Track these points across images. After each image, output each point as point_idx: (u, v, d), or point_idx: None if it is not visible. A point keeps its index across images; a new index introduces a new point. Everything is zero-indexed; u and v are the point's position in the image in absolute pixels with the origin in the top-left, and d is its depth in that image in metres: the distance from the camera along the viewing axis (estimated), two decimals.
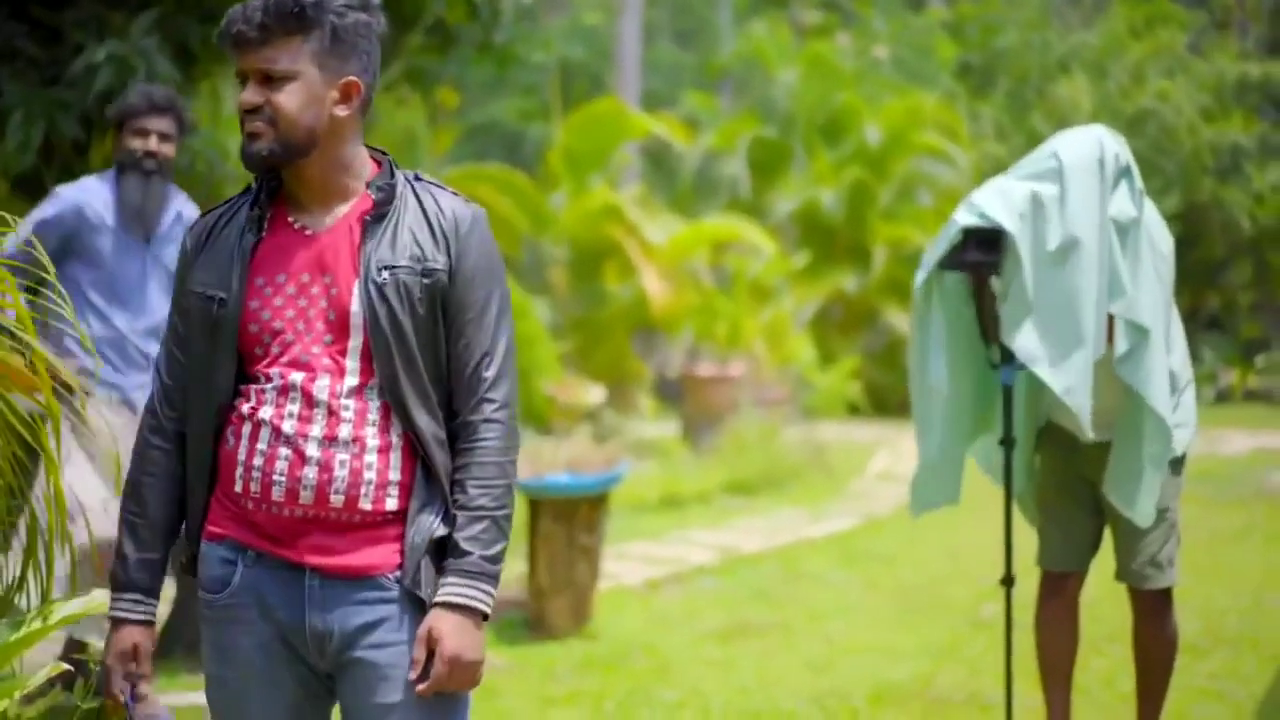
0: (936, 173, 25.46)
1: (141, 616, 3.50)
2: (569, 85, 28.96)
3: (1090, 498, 6.03)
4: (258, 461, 3.32)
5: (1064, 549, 6.07)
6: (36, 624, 4.02)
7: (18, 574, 4.46)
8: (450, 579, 3.31)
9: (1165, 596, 5.98)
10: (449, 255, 3.37)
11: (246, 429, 3.34)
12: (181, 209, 6.79)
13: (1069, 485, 6.05)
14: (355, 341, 3.34)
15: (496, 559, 3.36)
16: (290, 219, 3.42)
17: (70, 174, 10.60)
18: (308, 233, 3.39)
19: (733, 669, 7.98)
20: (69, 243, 6.52)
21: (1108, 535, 6.07)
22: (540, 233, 18.90)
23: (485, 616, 3.34)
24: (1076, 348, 5.60)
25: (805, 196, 24.88)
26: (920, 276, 5.88)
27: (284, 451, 3.30)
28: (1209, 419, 22.79)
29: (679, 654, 8.27)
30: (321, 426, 3.31)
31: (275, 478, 3.31)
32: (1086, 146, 5.72)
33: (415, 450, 3.35)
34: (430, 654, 3.30)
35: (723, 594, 9.97)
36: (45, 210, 6.57)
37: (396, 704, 3.33)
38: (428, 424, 3.34)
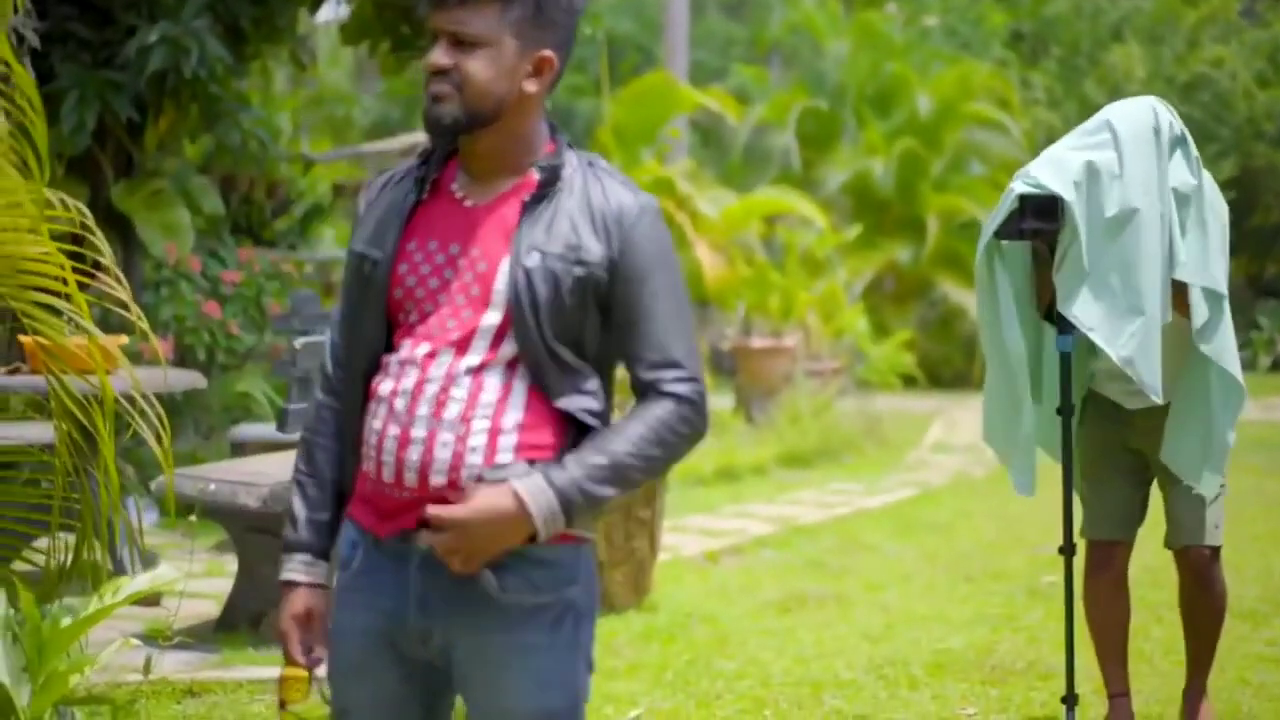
0: (988, 142, 25.37)
1: (314, 579, 3.32)
2: (617, 60, 28.95)
3: (1136, 466, 6.02)
4: (372, 439, 3.21)
5: (1109, 518, 6.06)
6: (103, 602, 4.04)
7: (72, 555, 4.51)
8: (534, 477, 3.10)
9: (1213, 557, 5.97)
10: (609, 248, 3.19)
11: (372, 405, 3.24)
12: None
13: (1113, 455, 6.04)
14: (491, 320, 3.18)
15: (591, 497, 3.11)
16: (454, 187, 3.30)
17: (124, 156, 10.68)
18: (468, 204, 3.26)
19: (791, 639, 7.99)
20: None
21: (1157, 504, 6.07)
22: None
23: (534, 538, 3.10)
24: (1135, 316, 5.57)
25: (856, 168, 24.82)
26: (980, 247, 5.86)
27: (392, 430, 3.17)
28: (1265, 387, 22.71)
29: (738, 625, 8.28)
30: (430, 405, 3.15)
31: (384, 458, 3.18)
32: (1141, 115, 5.69)
33: (535, 437, 3.17)
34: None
35: (780, 565, 9.98)
36: None
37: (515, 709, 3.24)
38: (571, 404, 3.19)
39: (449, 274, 3.21)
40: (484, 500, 3.08)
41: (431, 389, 3.17)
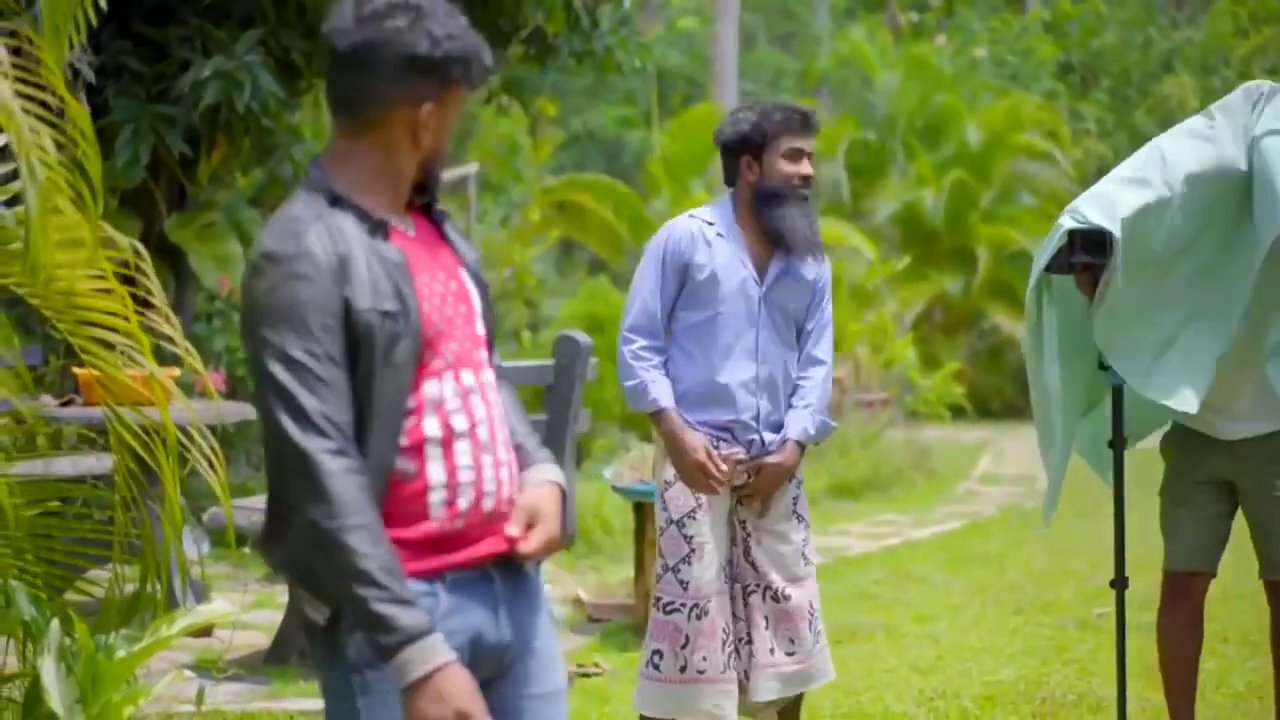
0: (1038, 173, 25.33)
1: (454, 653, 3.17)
2: (667, 92, 29.02)
3: (1222, 496, 6.00)
4: (466, 477, 3.24)
5: (1193, 550, 6.02)
6: (157, 635, 4.07)
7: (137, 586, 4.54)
8: (552, 466, 3.43)
9: None
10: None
11: (434, 449, 3.23)
12: None
13: (1201, 486, 6.01)
14: (482, 333, 3.38)
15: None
16: (394, 221, 3.33)
17: (177, 188, 10.76)
18: (410, 234, 3.33)
19: (841, 670, 7.95)
20: None
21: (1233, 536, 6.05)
22: (640, 240, 18.96)
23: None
24: (1164, 350, 5.63)
25: (906, 199, 24.82)
26: (1031, 282, 5.87)
27: (487, 459, 3.28)
28: None
29: None
30: (498, 425, 3.33)
31: (486, 488, 3.27)
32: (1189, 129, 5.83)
33: None
34: None
35: (830, 596, 9.95)
36: None
37: (564, 687, 3.43)
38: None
39: (450, 300, 3.32)
40: (553, 497, 3.37)
41: (496, 411, 3.34)
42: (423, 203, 3.40)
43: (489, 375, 3.36)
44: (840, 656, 8.24)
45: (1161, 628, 6.07)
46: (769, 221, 5.77)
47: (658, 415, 5.73)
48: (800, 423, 5.90)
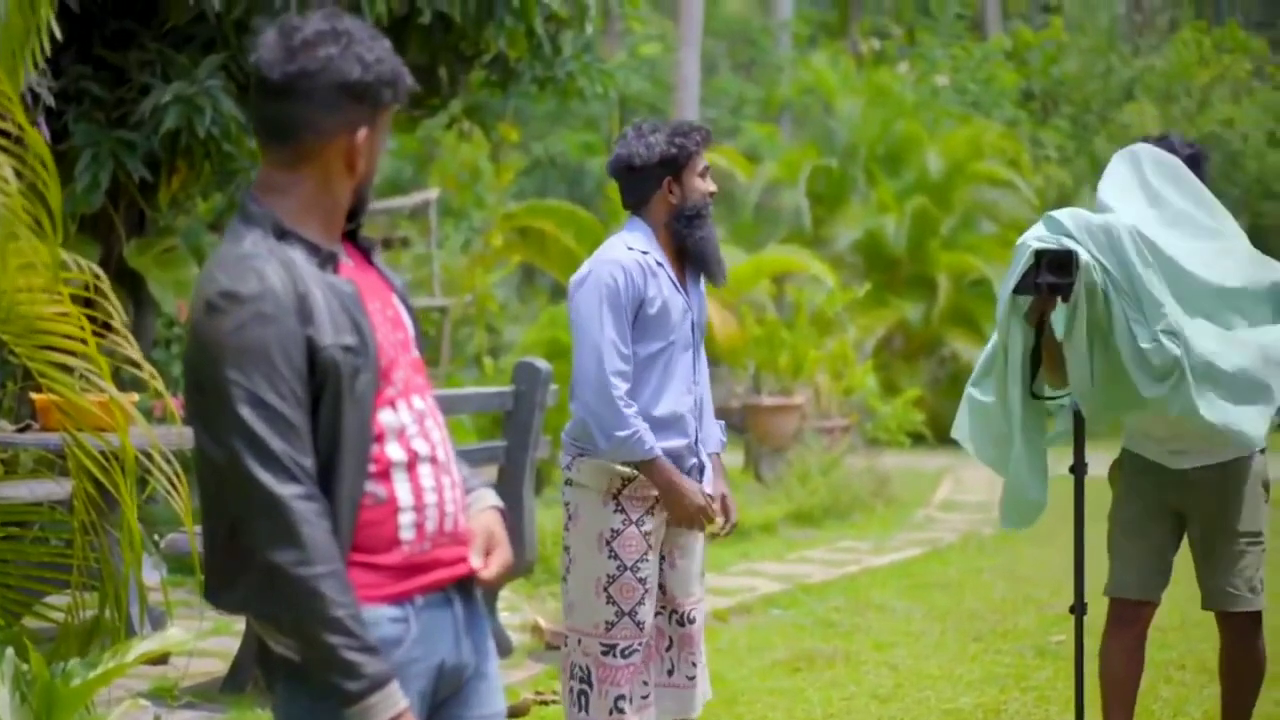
0: (999, 201, 25.40)
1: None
2: (629, 118, 29.04)
3: (1173, 527, 6.04)
4: (430, 499, 3.28)
5: (1140, 578, 6.06)
6: (114, 662, 4.06)
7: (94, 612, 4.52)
8: (488, 491, 3.50)
9: (1255, 620, 6.01)
10: None
11: (400, 473, 3.25)
12: None
13: (1152, 514, 6.04)
14: (417, 355, 3.41)
15: None
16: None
17: (136, 213, 10.73)
18: (349, 264, 3.34)
19: (800, 699, 7.98)
20: None
21: (1178, 566, 6.09)
22: None
23: None
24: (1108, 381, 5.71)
25: (867, 226, 24.86)
26: (999, 305, 5.91)
27: (446, 480, 3.33)
28: None
29: (746, 684, 8.27)
30: (449, 446, 3.38)
31: (447, 509, 3.31)
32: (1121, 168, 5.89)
33: None
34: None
35: (789, 624, 9.98)
36: None
37: (504, 710, 3.49)
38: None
39: (390, 327, 3.34)
40: (499, 522, 3.44)
41: (445, 433, 3.38)
42: (349, 230, 3.38)
43: (431, 398, 3.38)
44: (799, 684, 8.26)
45: (1104, 651, 6.12)
46: (691, 243, 5.73)
47: (652, 465, 5.63)
48: (718, 435, 6.04)
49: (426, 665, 3.27)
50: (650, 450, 5.60)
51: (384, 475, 3.22)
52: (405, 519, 3.24)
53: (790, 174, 25.23)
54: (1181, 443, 5.85)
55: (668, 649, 5.84)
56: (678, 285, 5.73)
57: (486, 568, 3.35)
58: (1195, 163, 6.04)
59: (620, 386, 5.58)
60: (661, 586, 5.83)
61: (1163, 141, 6.13)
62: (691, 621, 5.84)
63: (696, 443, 5.84)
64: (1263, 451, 5.98)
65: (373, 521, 3.21)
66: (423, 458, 3.28)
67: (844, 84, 27.61)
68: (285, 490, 3.05)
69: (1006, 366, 5.91)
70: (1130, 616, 6.09)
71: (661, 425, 5.71)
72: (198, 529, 7.59)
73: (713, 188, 5.77)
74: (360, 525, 3.19)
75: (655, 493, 5.70)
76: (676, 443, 5.76)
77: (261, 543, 3.07)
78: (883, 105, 26.31)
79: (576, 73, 11.73)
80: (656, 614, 5.81)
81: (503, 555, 3.39)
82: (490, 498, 3.47)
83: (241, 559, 3.13)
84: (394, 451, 3.24)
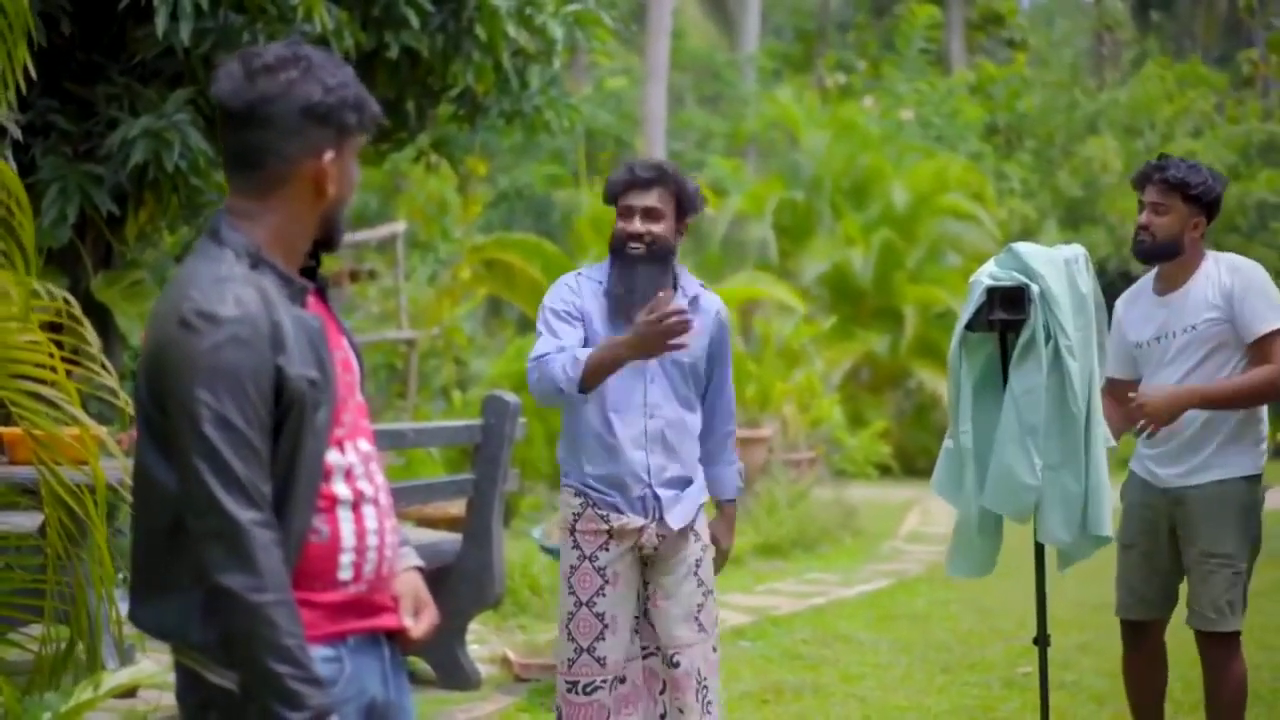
0: (963, 233, 25.52)
1: None
2: (595, 151, 29.11)
3: (1171, 545, 6.14)
4: (372, 541, 3.29)
5: (1143, 599, 6.21)
6: (86, 694, 4.05)
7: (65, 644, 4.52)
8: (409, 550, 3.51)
9: (1228, 641, 6.08)
10: None
11: (345, 511, 3.26)
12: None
13: (1148, 532, 6.18)
14: (361, 399, 3.41)
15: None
16: None
17: (103, 247, 10.72)
18: (311, 300, 3.34)
19: None
20: None
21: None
22: None
23: None
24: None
25: (834, 259, 24.95)
26: (954, 341, 5.96)
27: (389, 523, 3.35)
28: None
29: None
30: (388, 491, 3.39)
31: (386, 553, 3.33)
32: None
33: None
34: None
35: (757, 656, 9.99)
36: None
37: None
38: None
39: (344, 369, 3.33)
40: (422, 583, 3.50)
41: (385, 478, 3.39)
42: (308, 266, 3.36)
43: (373, 444, 3.40)
44: (768, 716, 8.27)
45: (1125, 672, 6.30)
46: (618, 279, 5.75)
47: (598, 360, 5.46)
48: (732, 481, 5.98)
49: (357, 705, 3.28)
50: (575, 360, 5.48)
51: (329, 512, 3.22)
52: (345, 559, 3.23)
53: (756, 207, 25.31)
54: (1168, 461, 6.02)
55: (661, 692, 5.78)
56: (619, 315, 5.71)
57: (416, 627, 3.41)
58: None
59: (548, 353, 5.57)
60: (651, 625, 5.80)
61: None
62: (676, 665, 5.72)
63: (650, 474, 5.73)
64: (1256, 479, 6.06)
65: (314, 558, 3.20)
66: (367, 498, 3.29)
67: (809, 118, 27.73)
68: (245, 515, 3.03)
69: (959, 403, 5.96)
70: (1140, 636, 6.25)
71: (596, 447, 5.72)
72: None
73: (632, 228, 5.71)
74: (301, 560, 3.17)
75: (608, 526, 5.69)
76: (610, 469, 5.72)
77: (215, 566, 3.04)
78: (848, 139, 26.44)
79: (543, 106, 11.75)
80: (648, 654, 5.78)
81: (431, 616, 3.45)
82: (413, 557, 3.49)
83: (176, 578, 3.13)
84: (340, 489, 3.24)
